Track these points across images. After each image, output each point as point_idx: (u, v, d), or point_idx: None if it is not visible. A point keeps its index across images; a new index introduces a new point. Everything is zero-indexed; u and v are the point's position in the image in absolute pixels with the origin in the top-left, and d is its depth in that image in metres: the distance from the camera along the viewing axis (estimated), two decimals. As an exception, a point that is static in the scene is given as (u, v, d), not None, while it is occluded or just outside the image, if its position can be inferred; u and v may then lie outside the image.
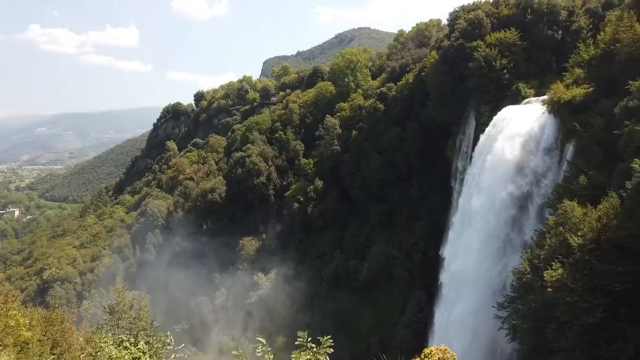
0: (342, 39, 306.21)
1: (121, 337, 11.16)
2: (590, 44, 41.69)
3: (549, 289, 24.84)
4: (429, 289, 56.13)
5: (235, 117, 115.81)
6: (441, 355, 7.94)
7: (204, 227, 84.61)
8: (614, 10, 41.68)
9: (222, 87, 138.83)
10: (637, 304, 22.60)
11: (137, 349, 10.61)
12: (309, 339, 8.27)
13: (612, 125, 31.07)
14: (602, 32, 38.04)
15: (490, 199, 41.43)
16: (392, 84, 71.37)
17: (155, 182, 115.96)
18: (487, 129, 44.31)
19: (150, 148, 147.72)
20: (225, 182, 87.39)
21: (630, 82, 30.20)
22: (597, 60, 36.78)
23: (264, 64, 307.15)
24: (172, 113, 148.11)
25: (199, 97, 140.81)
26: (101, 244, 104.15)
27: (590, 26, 46.86)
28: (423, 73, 61.03)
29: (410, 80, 66.22)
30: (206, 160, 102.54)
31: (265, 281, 72.31)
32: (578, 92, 37.00)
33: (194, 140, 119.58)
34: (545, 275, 25.29)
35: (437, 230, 59.72)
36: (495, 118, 43.90)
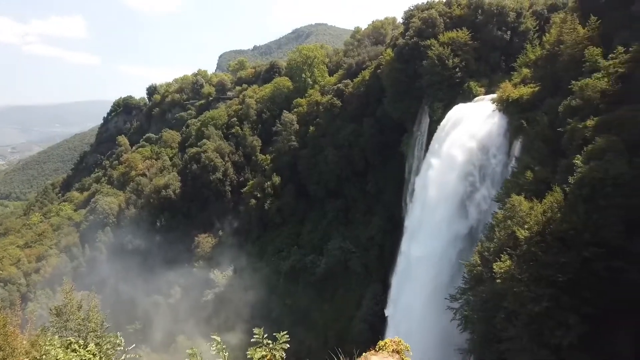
0: (299, 35, 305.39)
1: (69, 340, 10.69)
2: (536, 45, 43.56)
3: (498, 280, 25.87)
4: (385, 282, 57.21)
5: (189, 111, 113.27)
6: (395, 347, 8.12)
7: (158, 224, 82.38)
8: (559, 12, 43.81)
9: (176, 80, 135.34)
10: (579, 293, 23.91)
11: (87, 351, 10.22)
12: (265, 335, 8.24)
13: (557, 123, 32.61)
14: (547, 34, 39.87)
15: (444, 194, 42.65)
16: (349, 81, 71.98)
17: (106, 178, 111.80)
18: (440, 126, 45.50)
19: (99, 143, 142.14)
20: (179, 178, 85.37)
21: (573, 82, 31.80)
22: (543, 61, 38.50)
23: (219, 58, 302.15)
24: (123, 107, 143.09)
25: (151, 90, 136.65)
26: (47, 243, 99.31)
27: (537, 27, 49.05)
28: (379, 70, 61.94)
29: (367, 77, 67.06)
30: (160, 155, 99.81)
31: (221, 278, 71.44)
32: (525, 90, 38.65)
33: (147, 135, 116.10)
34: (494, 267, 26.32)
35: (393, 224, 61.05)
36: (447, 115, 45.13)
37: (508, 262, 25.79)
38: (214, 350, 8.26)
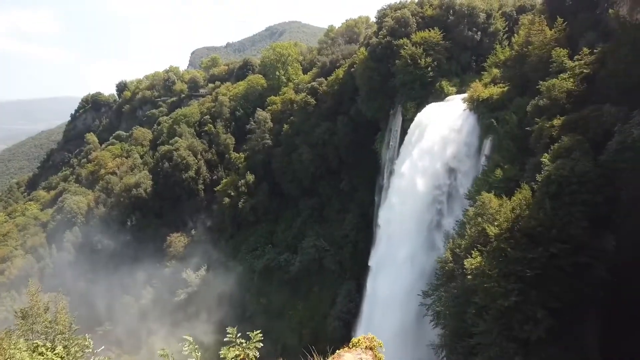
0: (273, 32, 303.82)
1: (36, 343, 10.38)
2: (505, 46, 44.63)
3: (469, 276, 26.38)
4: (359, 280, 57.59)
5: (161, 108, 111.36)
6: (368, 344, 8.18)
7: (129, 223, 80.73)
8: (527, 14, 44.88)
9: (147, 77, 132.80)
10: (546, 288, 24.61)
11: (54, 354, 9.94)
12: (239, 334, 8.18)
13: (525, 122, 33.49)
14: (516, 35, 40.83)
15: (415, 189, 43.18)
16: (323, 79, 72.00)
17: (74, 177, 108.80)
18: (412, 125, 46.04)
19: (67, 140, 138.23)
20: (151, 176, 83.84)
21: (541, 82, 32.70)
22: (512, 61, 39.42)
23: (192, 54, 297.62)
24: (92, 104, 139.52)
25: (121, 87, 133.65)
26: (12, 243, 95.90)
27: (506, 29, 50.15)
28: (352, 69, 62.19)
29: (340, 76, 67.22)
30: (130, 153, 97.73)
31: (194, 278, 70.57)
32: (495, 90, 39.49)
33: (117, 132, 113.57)
34: (465, 263, 26.82)
35: (367, 222, 61.53)
36: (419, 115, 45.68)
37: (478, 259, 26.32)
38: (186, 351, 8.16)
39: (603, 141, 27.19)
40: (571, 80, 31.03)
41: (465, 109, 41.22)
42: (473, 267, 26.23)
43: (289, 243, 68.58)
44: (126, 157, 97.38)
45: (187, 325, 64.02)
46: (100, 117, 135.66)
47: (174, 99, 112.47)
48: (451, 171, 41.32)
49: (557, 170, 25.88)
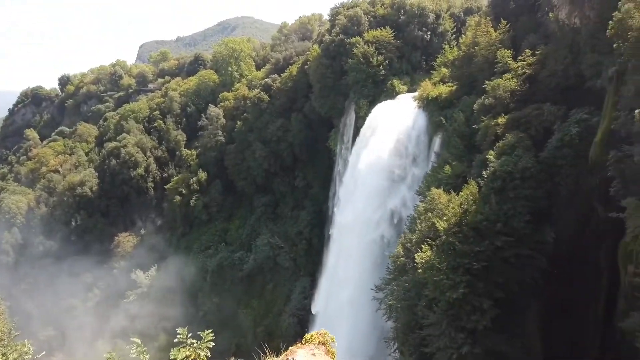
0: (225, 27, 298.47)
1: (-31, 351, 9.78)
2: (454, 46, 45.99)
3: (419, 270, 27.10)
4: (313, 276, 57.88)
5: (107, 104, 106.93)
6: (321, 339, 8.24)
7: (73, 223, 77.11)
8: (474, 16, 46.49)
9: (92, 71, 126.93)
10: (492, 279, 25.69)
11: (-9, 361, 9.40)
12: (190, 335, 8.01)
13: (472, 120, 34.73)
14: (463, 36, 42.21)
15: (368, 185, 43.86)
16: (277, 76, 71.59)
17: (12, 175, 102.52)
18: (365, 122, 46.67)
19: (5, 137, 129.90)
20: (97, 174, 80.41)
21: (486, 81, 33.99)
22: (460, 61, 40.70)
23: (140, 48, 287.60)
24: (32, 98, 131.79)
25: (64, 81, 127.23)
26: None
27: (454, 29, 51.73)
28: (306, 66, 62.20)
29: (294, 73, 67.06)
30: (74, 150, 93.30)
31: (144, 279, 68.49)
32: (444, 89, 40.68)
33: (60, 128, 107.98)
34: (416, 257, 27.53)
35: (321, 219, 61.85)
36: (372, 112, 46.37)
37: (428, 253, 27.09)
38: (134, 353, 7.93)
39: (544, 139, 28.68)
40: (514, 80, 32.46)
41: (415, 108, 42.24)
42: (423, 260, 26.97)
43: (243, 241, 67.85)
44: (70, 155, 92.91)
45: (136, 327, 62.08)
46: (41, 112, 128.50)
47: (121, 93, 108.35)
48: (402, 168, 42.26)
49: (502, 167, 27.05)
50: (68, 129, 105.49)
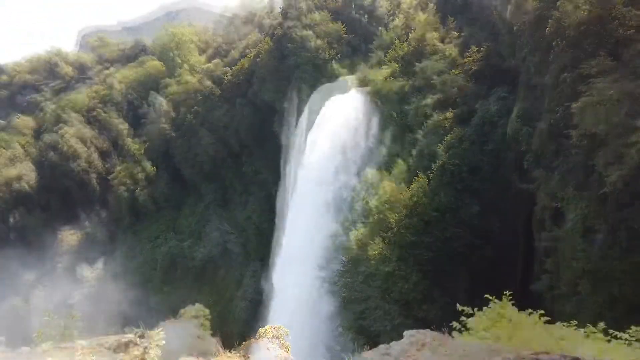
0: (169, 12, 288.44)
1: None
2: (389, 29, 46.83)
3: (372, 262, 28.13)
4: (263, 260, 58.36)
5: (45, 94, 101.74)
6: (275, 333, 8.74)
7: (11, 220, 73.59)
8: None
9: (27, 59, 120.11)
10: (441, 269, 27.05)
11: None
12: (139, 332, 8.04)
13: (404, 101, 35.87)
14: (413, 31, 42.27)
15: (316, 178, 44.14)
16: (220, 61, 70.52)
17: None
18: (306, 112, 46.87)
19: None
20: (34, 168, 76.90)
21: (435, 77, 34.72)
22: (410, 56, 41.13)
23: (79, 34, 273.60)
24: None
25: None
26: None
27: (391, 12, 52.51)
28: (248, 50, 61.65)
29: (246, 66, 65.76)
30: (9, 144, 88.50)
31: (90, 273, 66.72)
32: (395, 83, 40.76)
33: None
34: (368, 249, 28.51)
35: (270, 204, 62.15)
36: (314, 101, 46.55)
37: (380, 245, 28.13)
38: (79, 356, 8.02)
39: (489, 132, 30.08)
40: (462, 76, 33.50)
41: (364, 101, 42.45)
42: (375, 252, 27.99)
43: (193, 229, 67.28)
44: (4, 148, 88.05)
45: (84, 327, 60.48)
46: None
47: (59, 83, 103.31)
48: (352, 162, 42.53)
49: (450, 160, 28.27)
50: (2, 122, 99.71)
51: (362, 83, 42.90)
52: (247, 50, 61.93)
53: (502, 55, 30.13)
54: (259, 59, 55.98)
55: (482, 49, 31.93)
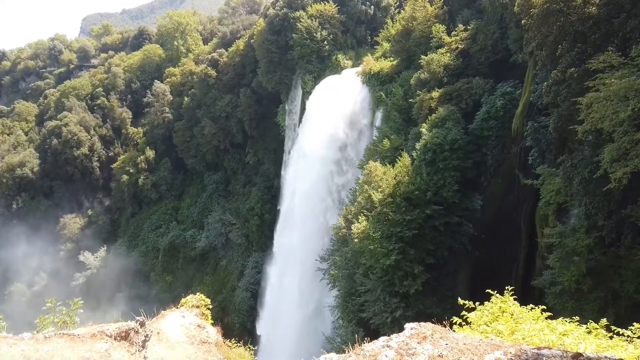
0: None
1: None
2: (396, 20, 46.49)
3: (356, 240, 28.15)
4: (265, 251, 58.48)
5: (47, 80, 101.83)
6: (195, 303, 8.78)
7: (14, 206, 73.94)
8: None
9: (29, 45, 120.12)
10: (422, 246, 27.05)
11: None
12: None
13: (409, 95, 35.67)
14: (403, 10, 42.77)
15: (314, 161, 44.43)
16: (224, 50, 70.26)
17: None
18: (310, 98, 46.87)
19: None
20: (37, 154, 77.07)
21: (422, 56, 34.85)
22: (399, 36, 41.34)
23: (83, 21, 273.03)
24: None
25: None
26: None
27: (397, 3, 52.16)
28: (252, 40, 61.31)
29: (241, 47, 65.96)
30: (12, 130, 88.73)
31: (93, 260, 67.05)
32: (385, 64, 41.33)
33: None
34: (353, 228, 28.52)
35: (272, 194, 62.16)
36: (316, 88, 46.54)
37: (364, 223, 28.12)
38: (65, 314, 8.15)
39: (473, 111, 30.02)
40: (448, 54, 33.47)
41: (358, 83, 42.76)
42: (360, 231, 27.98)
43: (195, 219, 67.41)
44: (8, 134, 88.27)
45: (86, 311, 61.08)
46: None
47: (61, 69, 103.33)
48: (346, 144, 42.95)
49: (432, 139, 28.16)
50: (6, 108, 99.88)
51: (365, 74, 42.79)
52: (252, 40, 61.54)
53: (509, 49, 29.90)
54: (263, 49, 55.57)
55: (488, 42, 31.65)
